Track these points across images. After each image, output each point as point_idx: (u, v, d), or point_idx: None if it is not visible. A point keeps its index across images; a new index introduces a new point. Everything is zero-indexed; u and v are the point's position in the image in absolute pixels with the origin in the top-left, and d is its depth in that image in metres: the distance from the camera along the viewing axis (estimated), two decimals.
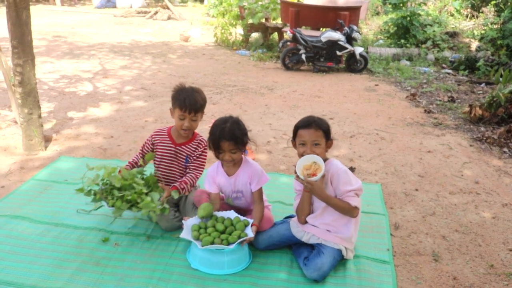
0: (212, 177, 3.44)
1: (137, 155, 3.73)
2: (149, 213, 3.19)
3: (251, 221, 3.19)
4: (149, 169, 3.72)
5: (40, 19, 16.07)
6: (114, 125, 5.90)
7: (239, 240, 3.01)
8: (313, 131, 3.00)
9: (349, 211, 2.97)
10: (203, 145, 3.61)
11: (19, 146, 5.01)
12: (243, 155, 3.41)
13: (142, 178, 3.44)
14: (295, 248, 3.22)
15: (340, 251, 3.07)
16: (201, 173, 3.64)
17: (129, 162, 3.69)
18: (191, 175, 3.56)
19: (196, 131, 3.64)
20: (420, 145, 5.51)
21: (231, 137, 3.14)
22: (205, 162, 3.66)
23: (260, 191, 3.36)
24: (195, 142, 3.61)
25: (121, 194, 3.24)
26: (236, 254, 3.04)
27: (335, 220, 3.08)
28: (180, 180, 3.53)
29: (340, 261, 3.11)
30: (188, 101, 3.37)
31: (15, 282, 2.86)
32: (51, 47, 11.38)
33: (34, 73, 4.76)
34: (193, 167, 3.61)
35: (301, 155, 3.03)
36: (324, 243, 3.07)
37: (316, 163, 2.94)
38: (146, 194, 3.30)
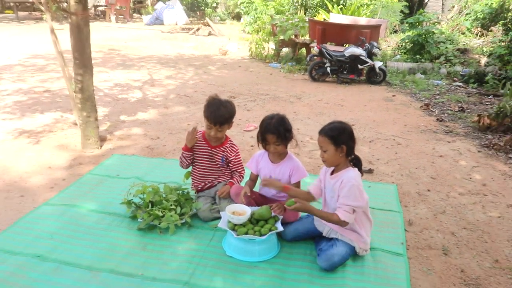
0: (256, 159, 3.49)
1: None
2: (168, 225, 3.29)
3: (281, 217, 3.20)
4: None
5: (97, 34, 16.34)
6: (160, 127, 5.96)
7: (270, 233, 3.03)
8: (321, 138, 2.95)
9: (337, 222, 2.86)
10: (236, 149, 3.70)
11: (78, 144, 5.12)
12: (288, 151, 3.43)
13: (179, 194, 3.57)
14: (317, 240, 3.20)
15: (353, 247, 3.02)
16: (244, 170, 3.75)
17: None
18: (237, 175, 3.72)
19: (231, 133, 3.68)
20: (433, 150, 5.42)
21: (274, 131, 3.17)
22: (242, 162, 3.76)
23: (299, 184, 3.40)
24: (228, 145, 3.66)
25: (148, 209, 3.38)
26: (266, 244, 3.05)
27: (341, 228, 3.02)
28: (231, 181, 3.67)
29: (353, 256, 3.06)
30: (214, 115, 3.42)
31: (73, 262, 2.93)
32: (107, 59, 11.57)
33: (92, 81, 4.86)
34: (235, 168, 3.71)
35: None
36: (341, 237, 3.03)
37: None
38: (174, 209, 3.42)
